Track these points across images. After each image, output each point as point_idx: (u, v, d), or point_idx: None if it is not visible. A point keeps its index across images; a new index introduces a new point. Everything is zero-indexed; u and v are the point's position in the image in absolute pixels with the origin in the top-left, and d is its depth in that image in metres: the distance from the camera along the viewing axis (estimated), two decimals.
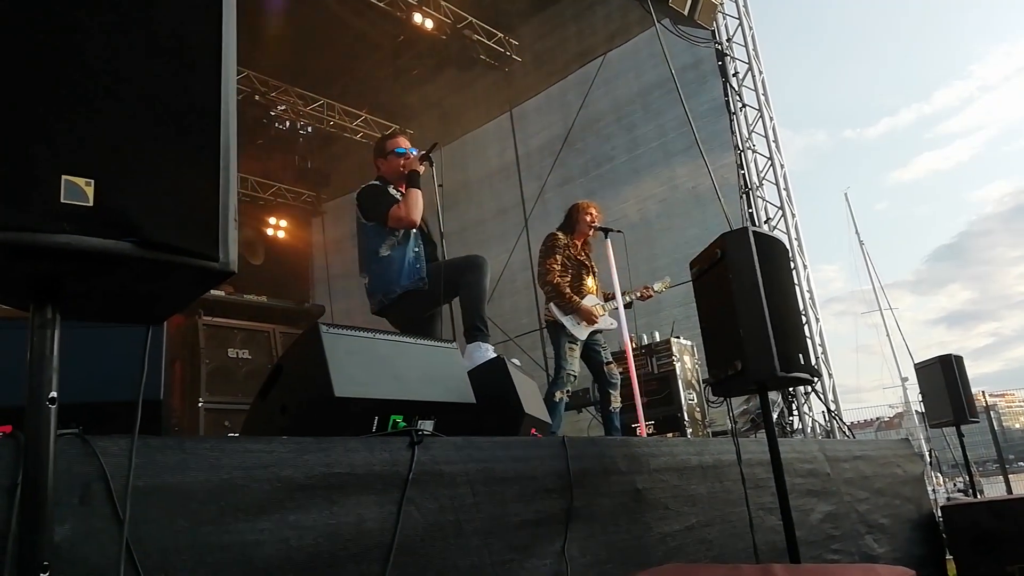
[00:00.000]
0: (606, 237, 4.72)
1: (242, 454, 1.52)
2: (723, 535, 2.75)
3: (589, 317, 4.61)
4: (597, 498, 2.29)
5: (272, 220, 10.90)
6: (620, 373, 4.79)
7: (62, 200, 0.83)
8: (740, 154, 7.71)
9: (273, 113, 9.48)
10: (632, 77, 8.45)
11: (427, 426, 2.08)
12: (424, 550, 1.76)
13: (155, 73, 0.94)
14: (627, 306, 4.86)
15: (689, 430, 5.48)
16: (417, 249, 3.68)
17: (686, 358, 5.86)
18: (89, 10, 0.91)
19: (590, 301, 4.71)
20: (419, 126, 10.50)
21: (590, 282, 4.84)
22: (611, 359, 4.82)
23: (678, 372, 5.66)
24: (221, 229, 0.93)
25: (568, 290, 4.64)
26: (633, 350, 4.90)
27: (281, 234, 11.08)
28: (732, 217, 6.84)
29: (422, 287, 3.59)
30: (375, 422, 1.99)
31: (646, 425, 4.62)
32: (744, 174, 7.70)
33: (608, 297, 4.84)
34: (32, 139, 0.84)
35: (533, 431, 2.78)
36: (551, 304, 4.68)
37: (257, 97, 9.10)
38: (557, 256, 4.72)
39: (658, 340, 5.90)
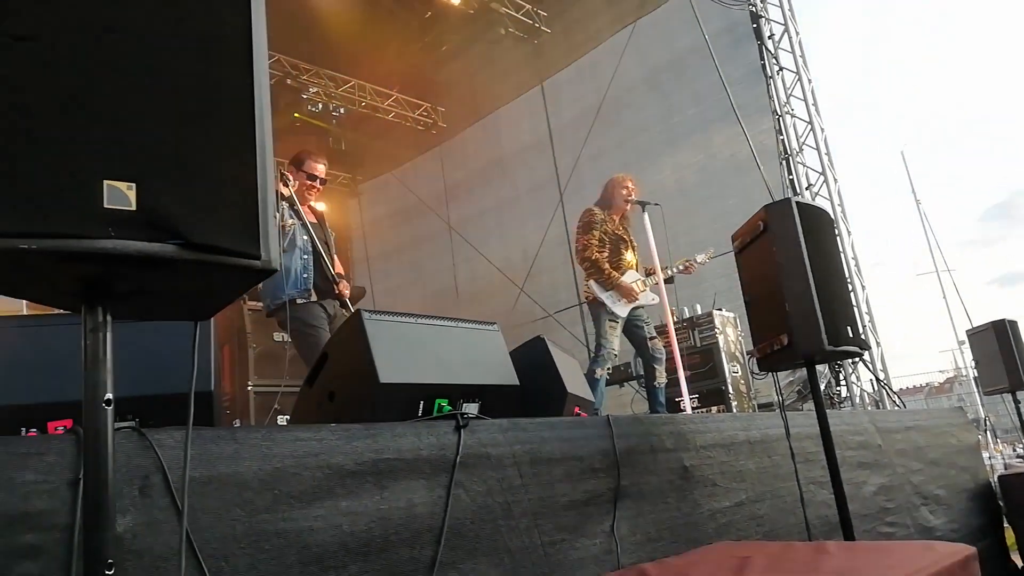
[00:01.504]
0: (643, 211, 4.64)
1: (292, 443, 1.54)
2: (774, 511, 2.71)
3: (629, 294, 4.56)
4: (645, 476, 2.28)
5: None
6: (663, 347, 4.74)
7: (105, 205, 0.83)
8: (779, 119, 7.49)
9: (305, 96, 9.52)
10: (664, 44, 8.24)
11: (472, 409, 2.09)
12: (474, 532, 1.77)
13: (188, 71, 0.93)
14: (669, 280, 4.79)
15: (734, 403, 5.42)
16: (306, 257, 3.78)
17: (729, 330, 5.78)
18: (121, 11, 0.90)
19: (630, 277, 4.64)
20: (450, 102, 10.44)
21: (629, 256, 4.77)
22: (655, 334, 4.76)
23: (721, 345, 5.59)
24: (261, 227, 0.93)
25: (607, 266, 4.59)
26: (675, 323, 4.83)
27: None
28: (772, 184, 6.66)
29: (308, 299, 3.74)
30: (420, 406, 2.00)
31: (690, 398, 4.57)
32: (783, 140, 7.49)
33: (649, 272, 4.76)
34: (73, 145, 0.84)
35: (577, 410, 2.77)
36: (590, 281, 4.64)
37: (289, 81, 9.15)
38: (595, 232, 4.66)
39: (700, 313, 5.83)
